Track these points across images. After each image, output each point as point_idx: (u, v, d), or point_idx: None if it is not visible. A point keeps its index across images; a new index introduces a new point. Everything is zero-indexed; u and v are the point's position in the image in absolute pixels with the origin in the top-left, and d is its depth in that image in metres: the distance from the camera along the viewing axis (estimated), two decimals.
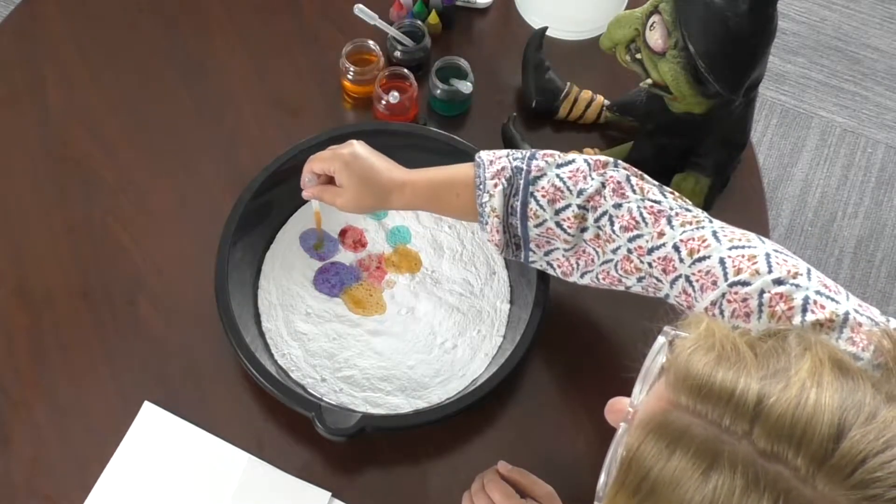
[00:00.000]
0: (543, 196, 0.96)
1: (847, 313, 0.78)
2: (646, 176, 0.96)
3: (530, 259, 1.03)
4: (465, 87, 1.27)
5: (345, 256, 1.19)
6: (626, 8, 1.34)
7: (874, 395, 0.57)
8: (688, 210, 0.92)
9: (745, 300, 0.82)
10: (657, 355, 0.63)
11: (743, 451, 0.56)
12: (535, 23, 1.38)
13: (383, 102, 1.25)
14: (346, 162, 1.04)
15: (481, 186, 0.99)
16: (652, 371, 0.63)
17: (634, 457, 0.59)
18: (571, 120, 1.30)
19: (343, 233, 1.21)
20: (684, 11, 1.02)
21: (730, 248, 0.85)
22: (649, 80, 1.10)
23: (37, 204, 1.23)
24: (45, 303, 1.17)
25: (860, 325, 0.77)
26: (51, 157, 1.26)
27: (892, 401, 0.57)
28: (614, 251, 0.95)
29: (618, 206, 0.94)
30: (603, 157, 0.97)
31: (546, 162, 0.98)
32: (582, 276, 1.01)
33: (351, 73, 1.27)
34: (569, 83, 1.29)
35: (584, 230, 0.96)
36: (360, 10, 1.26)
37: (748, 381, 0.57)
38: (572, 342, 1.17)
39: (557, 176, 0.96)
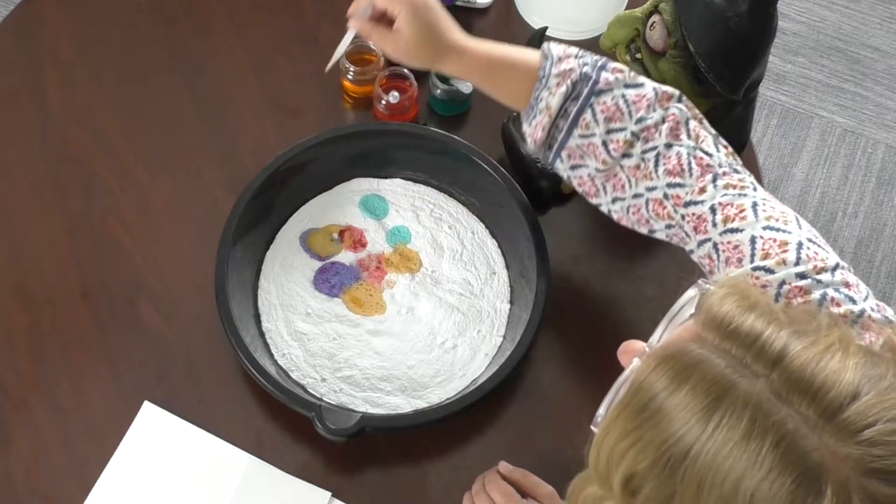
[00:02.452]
0: (603, 111, 0.94)
1: (862, 311, 0.78)
2: (705, 121, 0.94)
3: (555, 165, 1.00)
4: (465, 86, 1.27)
5: (345, 256, 1.19)
6: (626, 8, 1.34)
7: (895, 375, 0.57)
8: (736, 171, 0.90)
9: (764, 286, 0.81)
10: (685, 305, 0.64)
11: (758, 389, 0.56)
12: (535, 23, 1.38)
13: (383, 102, 1.25)
14: (417, 7, 0.98)
15: (543, 80, 0.96)
16: (677, 320, 0.64)
17: (646, 380, 0.59)
18: None
19: (343, 233, 1.21)
20: (684, 11, 1.02)
21: (764, 228, 0.84)
22: None
23: (37, 204, 1.23)
24: (45, 302, 1.17)
25: (873, 321, 0.77)
26: (51, 157, 1.26)
27: None
28: (650, 189, 0.92)
29: (669, 146, 0.91)
30: (669, 89, 0.94)
31: (616, 77, 0.94)
32: (613, 201, 0.97)
33: (351, 73, 1.27)
34: None
35: (626, 156, 0.94)
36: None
37: (777, 329, 0.58)
38: (572, 342, 1.17)
39: (623, 96, 0.94)
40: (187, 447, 1.08)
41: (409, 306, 1.16)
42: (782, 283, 0.81)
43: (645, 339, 0.68)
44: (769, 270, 0.82)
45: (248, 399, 1.11)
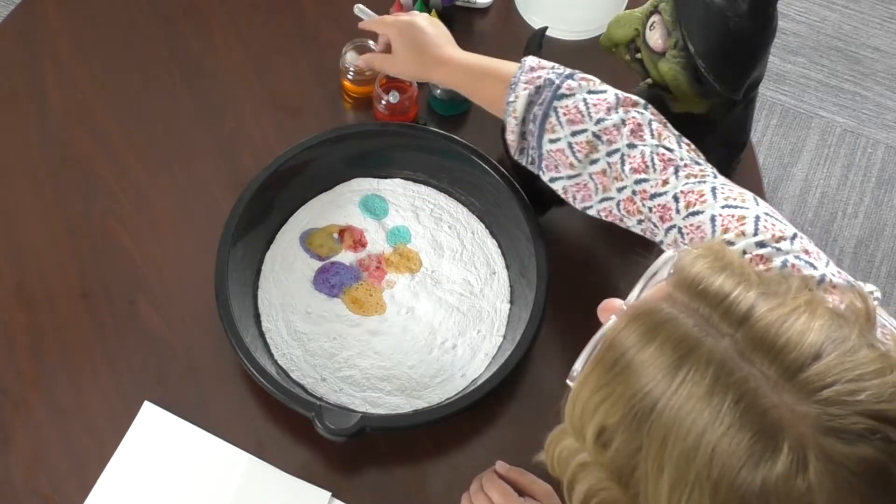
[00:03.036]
0: (565, 115, 0.99)
1: (823, 276, 0.80)
2: (668, 124, 0.98)
3: (541, 176, 1.05)
4: None
5: (345, 256, 1.19)
6: (626, 8, 1.34)
7: (859, 337, 0.58)
8: (697, 163, 0.94)
9: None
10: (662, 267, 0.65)
11: (722, 347, 0.57)
12: (535, 23, 1.38)
13: (383, 102, 1.25)
14: (401, 29, 1.12)
15: (513, 86, 1.02)
16: (654, 280, 0.65)
17: (617, 336, 0.61)
18: None
19: (343, 233, 1.21)
20: (684, 11, 1.02)
21: (723, 207, 0.87)
22: (649, 80, 1.10)
23: (37, 204, 1.23)
24: (45, 303, 1.17)
25: (835, 286, 0.79)
26: (51, 157, 1.26)
27: (874, 348, 0.58)
28: (619, 190, 0.96)
29: (632, 146, 0.95)
30: (633, 97, 1.00)
31: (580, 84, 1.00)
32: (584, 209, 1.03)
33: (351, 73, 1.27)
34: None
35: (593, 162, 0.98)
36: (360, 10, 1.26)
37: (746, 291, 0.59)
38: (572, 342, 1.17)
39: (584, 100, 0.98)
40: (187, 447, 1.08)
41: (409, 306, 1.16)
42: (743, 252, 0.83)
43: None
44: (729, 243, 0.84)
45: (248, 399, 1.11)
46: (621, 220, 0.99)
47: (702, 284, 0.60)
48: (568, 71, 1.02)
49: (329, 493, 1.06)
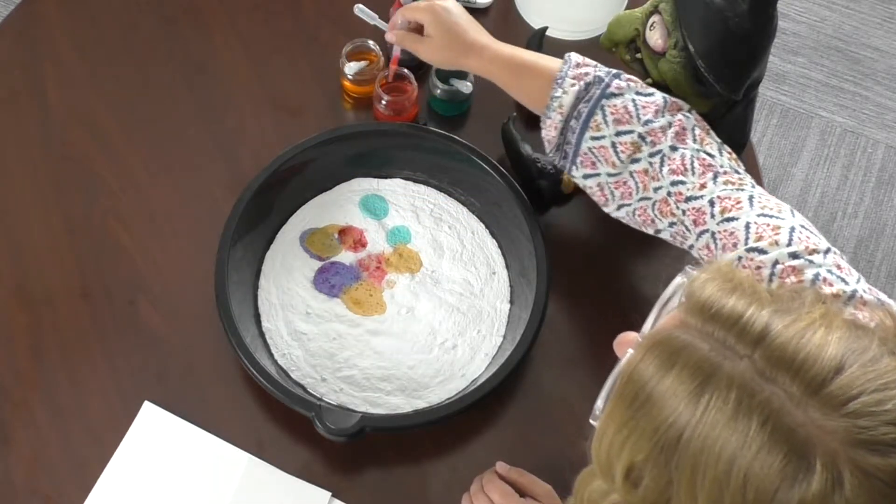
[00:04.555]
0: (612, 113, 0.98)
1: (854, 291, 0.79)
2: (711, 131, 0.98)
3: (571, 172, 1.04)
4: (465, 87, 1.27)
5: (345, 256, 1.19)
6: (626, 8, 1.34)
7: (880, 345, 0.57)
8: (737, 172, 0.94)
9: (758, 268, 0.83)
10: (673, 295, 0.65)
11: (741, 370, 0.56)
12: (535, 23, 1.38)
13: (383, 102, 1.25)
14: (437, 12, 1.09)
15: (559, 81, 1.01)
16: (667, 308, 0.64)
17: (635, 369, 0.60)
18: None
19: (343, 233, 1.21)
20: (684, 11, 1.02)
21: (759, 215, 0.87)
22: (649, 80, 1.10)
23: (37, 204, 1.23)
24: (45, 303, 1.17)
25: (865, 302, 0.78)
26: (51, 157, 1.26)
27: (895, 356, 0.57)
28: (656, 190, 0.96)
29: (674, 148, 0.95)
30: (679, 101, 1.00)
31: (628, 85, 1.00)
32: (619, 207, 1.02)
33: (351, 74, 1.27)
34: None
35: (634, 161, 0.97)
36: (360, 10, 1.26)
37: (759, 310, 0.58)
38: (572, 342, 1.17)
39: (633, 101, 0.98)
40: (187, 447, 1.08)
41: (409, 306, 1.16)
42: (775, 262, 0.83)
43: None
44: (762, 251, 0.84)
45: (248, 399, 1.11)
46: (653, 221, 0.98)
47: (714, 307, 0.59)
48: (614, 70, 1.02)
49: (329, 493, 1.06)
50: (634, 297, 1.18)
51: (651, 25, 1.06)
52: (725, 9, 0.99)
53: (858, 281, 0.82)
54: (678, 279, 0.65)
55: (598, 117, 0.98)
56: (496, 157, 1.20)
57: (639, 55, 1.10)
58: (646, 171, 0.97)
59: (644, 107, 0.98)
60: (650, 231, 1.01)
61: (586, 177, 1.02)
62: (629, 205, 1.00)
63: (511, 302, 1.17)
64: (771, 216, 0.87)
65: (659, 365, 0.59)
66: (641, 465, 0.59)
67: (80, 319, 1.16)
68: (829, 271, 0.81)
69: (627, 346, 0.65)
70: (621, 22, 1.10)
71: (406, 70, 1.27)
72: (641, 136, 0.97)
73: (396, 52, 1.22)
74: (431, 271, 1.18)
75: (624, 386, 0.61)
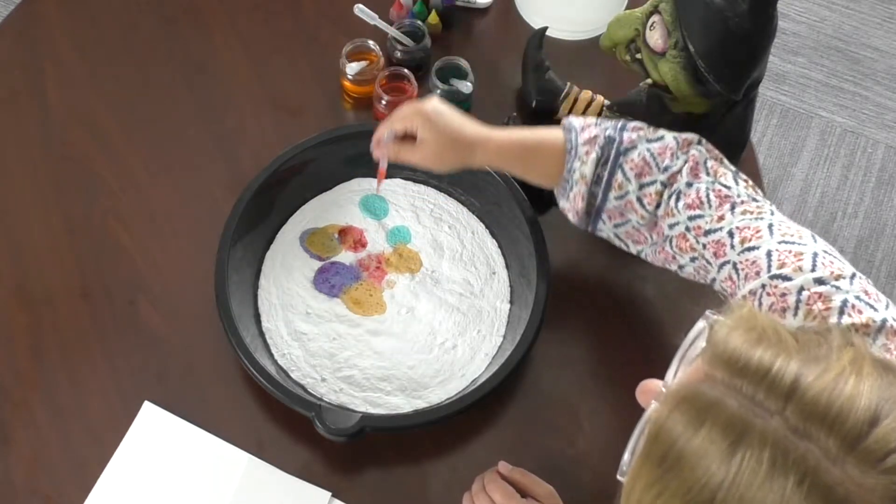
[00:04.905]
0: (632, 169, 0.97)
1: (884, 320, 0.77)
2: (725, 161, 0.97)
3: (599, 228, 1.03)
4: (465, 87, 1.27)
5: (345, 256, 1.19)
6: (626, 8, 1.34)
7: None
8: (755, 200, 0.93)
9: (783, 295, 0.82)
10: (696, 340, 0.63)
11: (774, 427, 0.55)
12: (536, 23, 1.38)
13: (383, 102, 1.25)
14: (429, 117, 1.03)
15: (572, 152, 0.99)
16: (689, 355, 0.63)
17: (663, 427, 0.58)
18: None
19: (343, 233, 1.21)
20: (684, 11, 1.02)
21: (780, 242, 0.86)
22: (649, 80, 1.10)
23: (37, 204, 1.23)
24: (45, 303, 1.17)
25: None
26: (51, 157, 1.26)
27: None
28: (672, 226, 0.96)
29: (689, 184, 0.95)
30: (689, 135, 0.98)
31: (638, 135, 0.98)
32: (638, 252, 1.02)
33: (351, 74, 1.27)
34: (569, 83, 1.29)
35: (658, 206, 0.97)
36: (360, 10, 1.26)
37: (787, 361, 0.56)
38: (572, 342, 1.17)
39: (648, 150, 0.97)
40: (187, 447, 1.08)
41: (409, 306, 1.16)
42: (801, 289, 0.81)
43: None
44: (786, 278, 0.82)
45: (248, 399, 1.11)
46: (673, 257, 0.98)
47: (741, 361, 0.57)
48: (617, 122, 1.00)
49: (329, 493, 1.06)
50: (634, 297, 1.18)
51: (651, 25, 1.06)
52: (725, 9, 0.99)
53: (888, 307, 0.80)
54: (700, 324, 0.63)
55: (619, 176, 0.98)
56: None
57: (639, 55, 1.10)
58: (667, 213, 0.96)
59: (660, 153, 0.97)
60: (673, 268, 1.00)
61: (617, 226, 1.02)
62: (656, 244, 1.00)
63: (511, 302, 1.17)
64: (792, 242, 0.85)
65: (687, 423, 0.57)
66: None
67: (80, 319, 1.16)
68: (858, 297, 0.79)
69: (650, 395, 0.63)
70: (621, 22, 1.10)
71: (406, 70, 1.27)
72: (664, 184, 0.96)
73: (383, 166, 1.14)
74: (431, 271, 1.18)
75: (652, 444, 0.59)
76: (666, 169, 0.96)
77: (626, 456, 0.62)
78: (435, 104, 1.04)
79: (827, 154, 2.16)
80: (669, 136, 0.98)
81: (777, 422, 0.55)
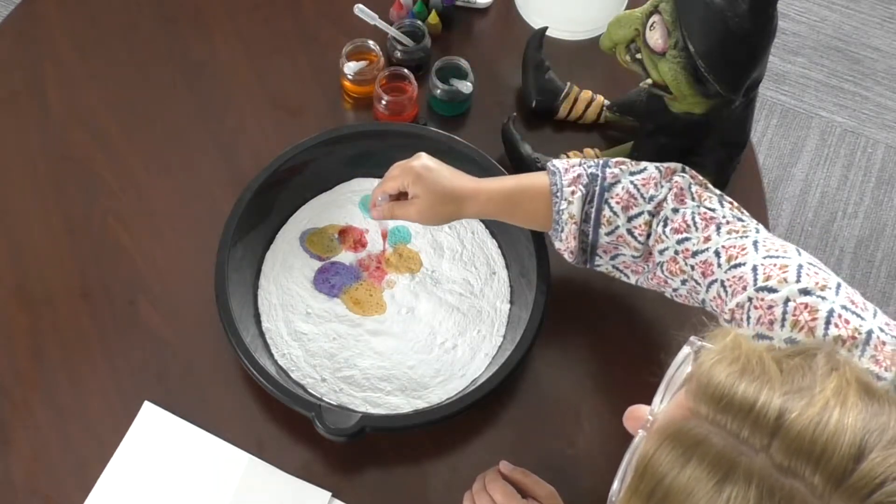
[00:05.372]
0: (618, 203, 0.99)
1: (871, 331, 0.78)
2: (709, 185, 0.99)
3: (596, 264, 1.05)
4: (465, 87, 1.27)
5: (345, 256, 1.19)
6: (626, 8, 1.34)
7: None
8: (740, 220, 0.94)
9: (770, 307, 0.83)
10: (681, 365, 0.63)
11: (759, 464, 0.55)
12: (536, 23, 1.38)
13: (383, 102, 1.25)
14: (419, 174, 1.05)
15: (558, 194, 1.01)
16: (675, 381, 0.63)
17: (650, 463, 0.58)
18: (571, 120, 1.30)
19: (343, 233, 1.21)
20: (684, 11, 1.02)
21: (765, 257, 0.87)
22: (649, 80, 1.10)
23: (37, 204, 1.23)
24: (45, 303, 1.17)
25: (884, 343, 0.77)
26: (51, 157, 1.26)
27: None
28: (661, 252, 0.97)
29: (675, 210, 0.96)
30: (672, 164, 1.00)
31: (620, 169, 1.00)
32: (635, 281, 1.04)
33: (351, 74, 1.27)
34: (569, 83, 1.29)
35: (649, 236, 0.98)
36: (360, 10, 1.26)
37: (770, 395, 0.56)
38: (572, 342, 1.17)
39: (631, 183, 0.99)
40: (187, 447, 1.08)
41: (409, 306, 1.16)
42: (787, 300, 0.82)
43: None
44: (772, 290, 0.83)
45: (248, 399, 1.11)
46: (665, 281, 0.99)
47: (725, 398, 0.57)
48: (599, 161, 1.02)
49: (329, 493, 1.06)
50: (634, 297, 1.18)
51: (651, 25, 1.06)
52: (725, 9, 0.99)
53: (875, 315, 0.80)
54: (685, 350, 0.63)
55: (607, 212, 0.99)
56: (496, 157, 1.20)
57: (639, 55, 1.10)
58: (657, 240, 0.98)
59: (644, 184, 0.98)
60: (668, 292, 1.01)
61: (614, 258, 1.03)
62: (648, 272, 1.02)
63: (511, 302, 1.17)
64: (777, 256, 0.86)
65: (674, 460, 0.57)
66: None
67: (80, 319, 1.16)
68: (844, 307, 0.80)
69: (638, 421, 0.63)
70: (621, 22, 1.10)
71: (406, 70, 1.27)
72: (651, 213, 0.97)
73: (385, 228, 1.17)
74: (431, 271, 1.19)
75: (639, 480, 0.59)
76: (651, 199, 0.97)
77: (615, 485, 0.63)
78: (424, 161, 1.06)
79: (827, 154, 2.16)
80: (652, 167, 0.99)
81: (762, 459, 0.55)
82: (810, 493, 0.54)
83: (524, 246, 1.15)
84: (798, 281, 0.83)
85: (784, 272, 0.84)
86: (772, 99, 2.20)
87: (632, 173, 0.99)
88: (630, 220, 0.98)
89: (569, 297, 1.17)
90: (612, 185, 0.99)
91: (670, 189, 0.97)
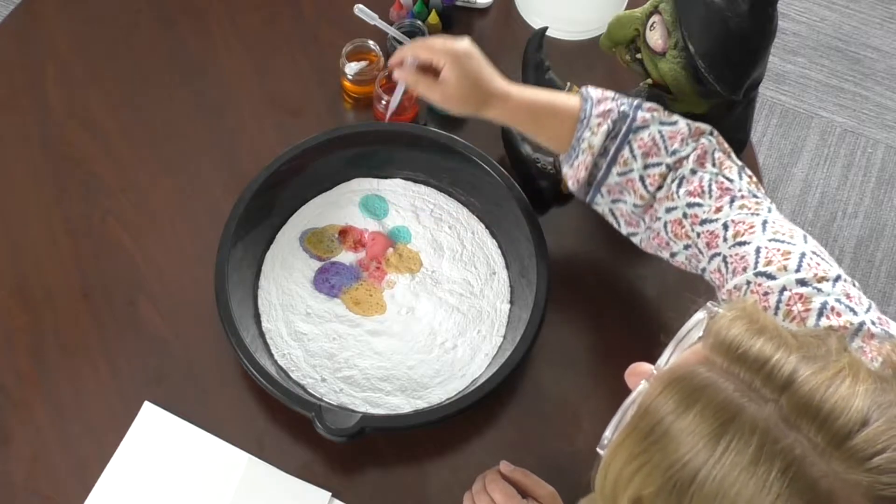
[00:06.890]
0: (640, 147, 0.98)
1: (862, 324, 0.78)
2: (733, 155, 0.98)
3: (596, 201, 1.04)
4: None
5: (345, 256, 1.19)
6: (626, 8, 1.34)
7: None
8: (755, 196, 0.93)
9: (766, 294, 0.83)
10: (693, 329, 0.63)
11: (766, 414, 0.55)
12: (536, 23, 1.38)
13: (383, 102, 1.25)
14: (459, 57, 1.01)
15: (585, 121, 1.00)
16: (685, 343, 0.63)
17: (653, 403, 0.58)
18: None
19: (343, 233, 1.21)
20: (684, 11, 1.02)
21: (770, 240, 0.87)
22: (649, 80, 1.10)
23: (37, 204, 1.23)
24: (45, 303, 1.17)
25: (872, 335, 0.77)
26: (51, 157, 1.26)
27: None
28: (669, 210, 0.96)
29: (693, 171, 0.95)
30: (702, 125, 0.99)
31: (652, 115, 0.99)
32: (628, 234, 1.03)
33: (351, 74, 1.27)
34: (569, 83, 1.29)
35: (660, 188, 0.97)
36: (360, 10, 1.26)
37: (786, 354, 0.57)
38: (572, 342, 1.17)
39: (659, 132, 0.98)
40: (187, 447, 1.08)
41: (409, 306, 1.16)
42: (783, 289, 0.82)
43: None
44: (770, 276, 0.83)
45: (248, 399, 1.11)
46: (667, 244, 0.98)
47: (741, 348, 0.57)
48: (634, 101, 1.01)
49: (329, 493, 1.06)
50: (634, 296, 1.18)
51: (651, 25, 1.06)
52: (725, 9, 0.99)
53: (868, 310, 0.80)
54: (699, 314, 0.63)
55: (626, 152, 0.98)
56: (496, 157, 1.20)
57: (639, 55, 1.10)
58: (667, 196, 0.97)
59: (671, 137, 0.97)
60: (665, 255, 1.00)
61: (614, 201, 1.02)
62: (651, 227, 1.00)
63: (511, 302, 1.17)
64: (782, 241, 0.86)
65: (679, 400, 0.57)
66: (649, 500, 0.58)
67: (80, 319, 1.16)
68: (838, 300, 0.80)
69: (640, 377, 0.63)
70: (621, 22, 1.10)
71: None
72: (669, 167, 0.97)
73: (397, 97, 1.14)
74: (431, 271, 1.18)
75: (639, 419, 0.59)
76: (674, 153, 0.97)
77: (607, 432, 0.63)
78: (467, 45, 1.03)
79: (827, 154, 2.16)
80: (683, 122, 0.99)
81: (770, 409, 0.55)
82: (812, 448, 0.54)
83: (524, 246, 1.15)
84: (798, 270, 0.83)
85: (786, 259, 0.84)
86: (772, 99, 2.20)
87: (662, 122, 0.98)
88: (646, 167, 0.97)
89: (569, 296, 1.17)
90: (641, 128, 0.98)
91: (694, 149, 0.96)
